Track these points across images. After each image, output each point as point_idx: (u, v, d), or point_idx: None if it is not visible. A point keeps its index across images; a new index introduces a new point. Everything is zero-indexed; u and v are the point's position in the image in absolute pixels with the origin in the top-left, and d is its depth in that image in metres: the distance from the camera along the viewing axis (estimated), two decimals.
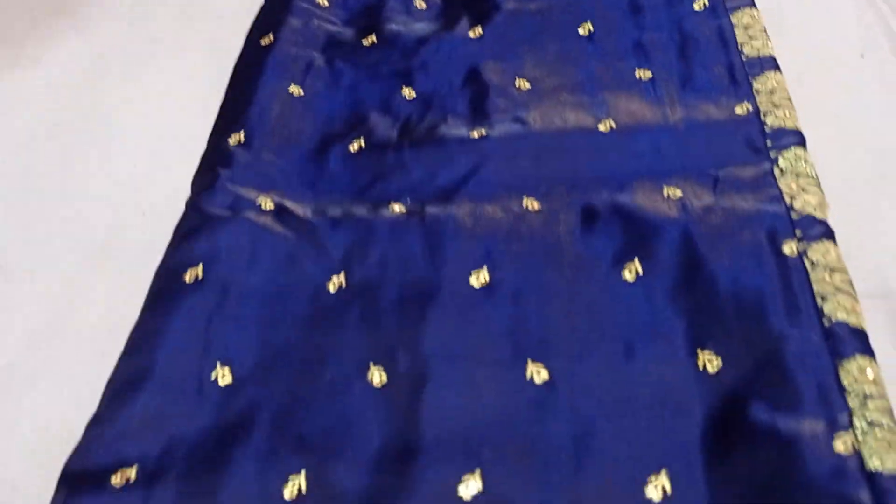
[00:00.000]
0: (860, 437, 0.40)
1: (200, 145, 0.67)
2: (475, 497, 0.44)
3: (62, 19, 0.83)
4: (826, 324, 0.46)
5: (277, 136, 0.66)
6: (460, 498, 0.44)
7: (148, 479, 0.45)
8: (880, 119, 0.63)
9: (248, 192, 0.60)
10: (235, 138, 0.65)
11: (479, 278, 0.53)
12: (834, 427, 0.41)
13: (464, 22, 0.75)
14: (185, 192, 0.62)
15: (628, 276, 0.52)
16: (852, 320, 0.46)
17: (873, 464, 0.39)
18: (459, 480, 0.44)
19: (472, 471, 0.45)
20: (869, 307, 0.50)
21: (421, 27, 0.76)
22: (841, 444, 0.40)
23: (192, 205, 0.60)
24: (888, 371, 0.46)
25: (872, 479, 0.39)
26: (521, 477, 0.44)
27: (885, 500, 0.38)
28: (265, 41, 0.74)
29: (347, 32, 0.76)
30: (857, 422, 0.41)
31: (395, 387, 0.49)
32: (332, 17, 0.78)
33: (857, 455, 0.39)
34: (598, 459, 0.44)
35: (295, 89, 0.70)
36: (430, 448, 0.46)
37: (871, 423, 0.40)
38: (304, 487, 0.45)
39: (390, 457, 0.46)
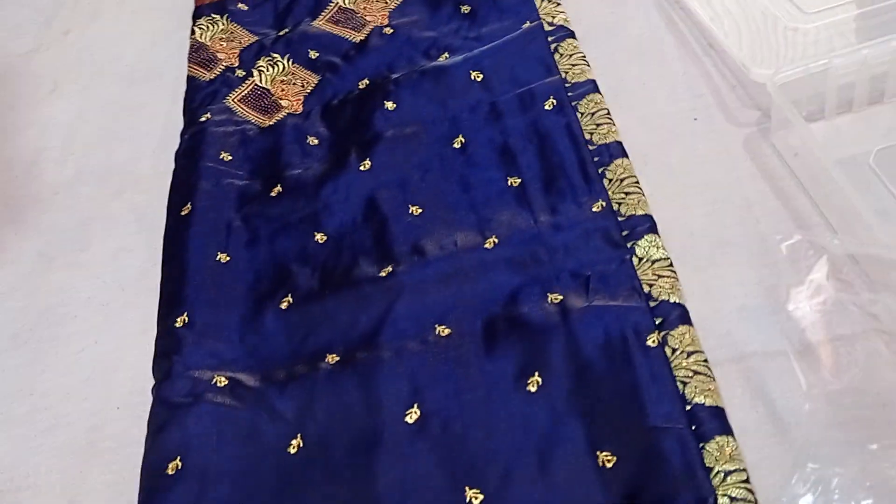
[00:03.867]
0: None
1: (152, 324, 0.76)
2: None
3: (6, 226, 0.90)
4: (688, 408, 0.57)
5: (215, 307, 0.74)
6: None
7: None
8: (714, 177, 0.74)
9: (203, 374, 0.70)
10: (180, 320, 0.73)
11: (411, 416, 0.63)
12: None
13: (353, 155, 0.84)
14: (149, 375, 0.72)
15: (531, 388, 0.62)
16: (709, 400, 0.57)
17: None
18: None
19: None
20: (725, 373, 0.61)
21: (317, 167, 0.85)
22: None
23: (157, 397, 0.69)
24: (748, 430, 0.58)
25: None
26: None
27: None
28: (184, 211, 0.83)
29: (255, 185, 0.85)
30: (720, 500, 0.52)
31: None
32: (237, 172, 0.87)
33: None
34: None
35: (221, 256, 0.78)
36: None
37: (732, 499, 0.52)
38: None
39: None
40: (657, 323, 0.62)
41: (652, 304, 0.63)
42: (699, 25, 0.84)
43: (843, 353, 0.57)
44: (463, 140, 0.81)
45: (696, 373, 0.58)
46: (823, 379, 0.57)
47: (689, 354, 0.59)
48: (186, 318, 0.73)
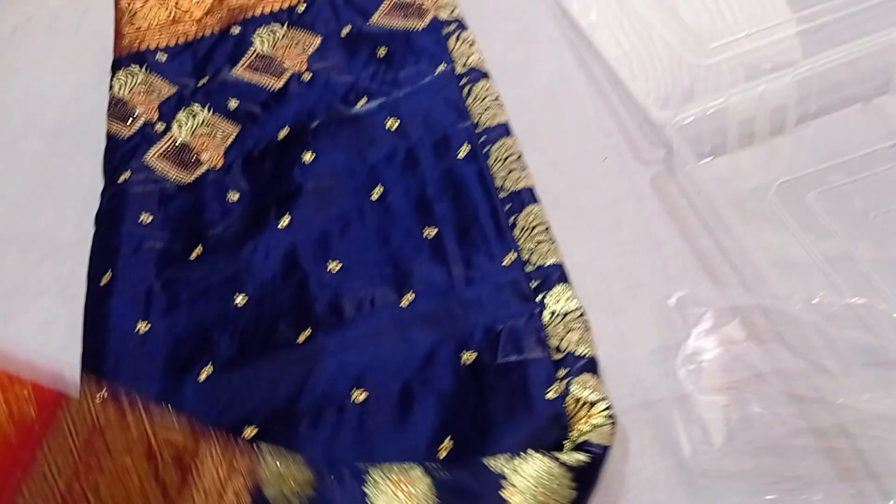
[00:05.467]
0: None
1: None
2: None
3: None
4: None
5: (135, 381, 0.74)
6: None
7: None
8: (623, 218, 0.75)
9: None
10: (99, 398, 0.73)
11: None
12: None
13: (273, 211, 0.84)
14: None
15: (442, 454, 0.63)
16: None
17: None
18: None
19: None
20: (634, 421, 0.62)
21: (238, 225, 0.84)
22: None
23: None
24: (657, 483, 0.59)
25: None
26: None
27: None
28: (104, 279, 0.82)
29: (175, 247, 0.84)
30: None
31: None
32: (157, 234, 0.86)
33: None
34: None
35: (141, 326, 0.78)
36: None
37: None
38: None
39: None
40: (559, 375, 0.63)
41: (557, 356, 0.64)
42: (607, 65, 0.84)
43: (740, 402, 0.58)
44: (381, 191, 0.82)
45: (597, 427, 0.59)
46: (723, 428, 0.58)
47: (592, 406, 0.60)
48: (105, 395, 0.73)
